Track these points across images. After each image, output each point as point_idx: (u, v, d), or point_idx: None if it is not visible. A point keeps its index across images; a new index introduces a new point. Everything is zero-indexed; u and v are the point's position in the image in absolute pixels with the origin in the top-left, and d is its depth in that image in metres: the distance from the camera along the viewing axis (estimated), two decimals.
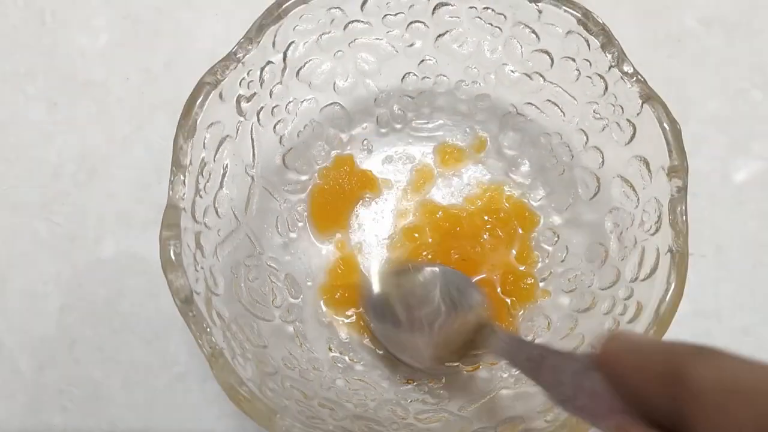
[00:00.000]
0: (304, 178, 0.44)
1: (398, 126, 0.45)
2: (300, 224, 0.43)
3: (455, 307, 0.38)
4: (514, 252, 0.43)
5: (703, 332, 0.43)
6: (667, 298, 0.33)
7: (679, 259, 0.33)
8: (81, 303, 0.44)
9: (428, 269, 0.40)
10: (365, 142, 0.45)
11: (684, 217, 0.34)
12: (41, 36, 0.50)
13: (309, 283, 0.42)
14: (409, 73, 0.43)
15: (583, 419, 0.24)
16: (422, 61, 0.42)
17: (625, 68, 0.36)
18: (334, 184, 0.43)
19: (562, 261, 0.42)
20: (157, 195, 0.44)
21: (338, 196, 0.43)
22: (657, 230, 0.35)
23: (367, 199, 0.44)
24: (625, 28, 0.37)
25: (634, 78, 0.36)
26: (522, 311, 0.42)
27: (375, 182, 0.44)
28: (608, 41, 0.36)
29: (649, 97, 0.35)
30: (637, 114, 0.36)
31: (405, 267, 0.41)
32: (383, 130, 0.45)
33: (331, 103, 0.43)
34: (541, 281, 0.42)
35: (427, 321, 0.38)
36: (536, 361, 0.28)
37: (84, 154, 0.47)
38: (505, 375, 0.38)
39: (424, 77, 0.43)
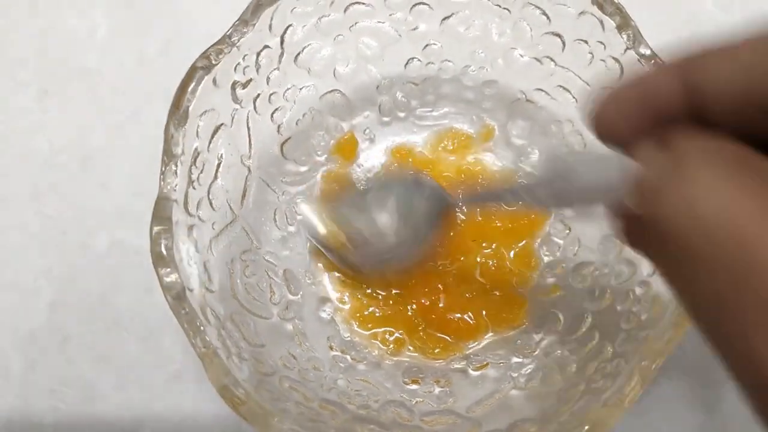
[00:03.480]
0: (303, 169, 0.42)
1: (401, 114, 0.43)
2: (299, 217, 0.42)
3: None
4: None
5: None
6: None
7: None
8: (73, 299, 0.43)
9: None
10: (367, 131, 0.43)
11: None
12: (32, 20, 0.49)
13: (309, 281, 0.40)
14: (413, 58, 0.41)
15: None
16: (427, 45, 0.41)
17: (642, 50, 0.34)
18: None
19: (574, 255, 0.40)
20: (152, 186, 0.42)
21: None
22: None
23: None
24: (639, 12, 0.35)
25: (652, 61, 0.34)
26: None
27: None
28: (624, 22, 0.34)
29: None
30: None
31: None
32: (386, 119, 0.43)
33: (331, 91, 0.41)
34: (552, 276, 0.40)
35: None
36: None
37: (76, 144, 0.46)
38: (515, 374, 0.37)
39: (428, 63, 0.42)
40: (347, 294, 0.40)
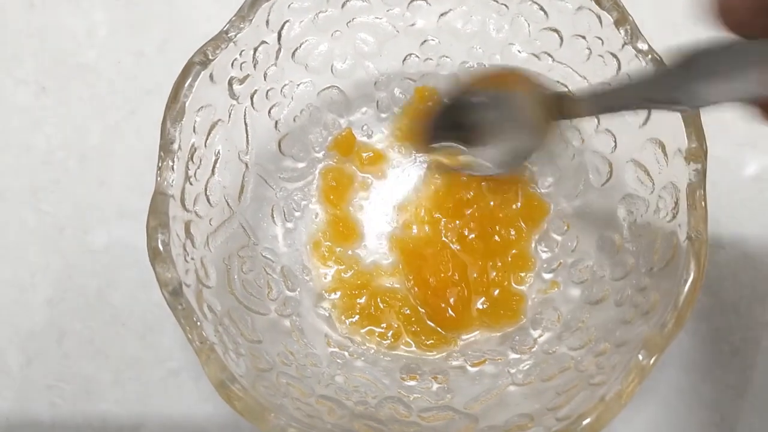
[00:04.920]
0: (301, 165, 0.42)
1: (399, 111, 0.43)
2: (297, 214, 0.41)
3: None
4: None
5: (723, 326, 0.41)
6: (686, 289, 0.31)
7: (699, 246, 0.31)
8: (70, 295, 0.43)
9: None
10: (365, 127, 0.43)
11: (703, 202, 0.32)
12: (30, 17, 0.48)
13: (306, 277, 0.40)
14: (411, 54, 0.41)
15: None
16: (424, 41, 0.41)
17: (640, 45, 0.34)
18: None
19: (572, 251, 0.40)
20: (150, 183, 0.42)
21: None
22: (674, 217, 0.33)
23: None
24: (636, 7, 0.35)
25: (650, 56, 0.34)
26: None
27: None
28: (622, 17, 0.34)
29: None
30: None
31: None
32: (384, 115, 0.43)
33: (329, 87, 0.41)
34: (550, 272, 0.40)
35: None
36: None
37: (74, 141, 0.46)
38: (513, 370, 0.37)
39: (426, 59, 0.42)
40: (340, 291, 0.40)
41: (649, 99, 0.29)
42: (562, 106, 0.34)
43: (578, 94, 0.34)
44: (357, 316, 0.40)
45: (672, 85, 0.26)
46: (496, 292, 0.40)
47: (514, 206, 0.42)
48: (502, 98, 0.37)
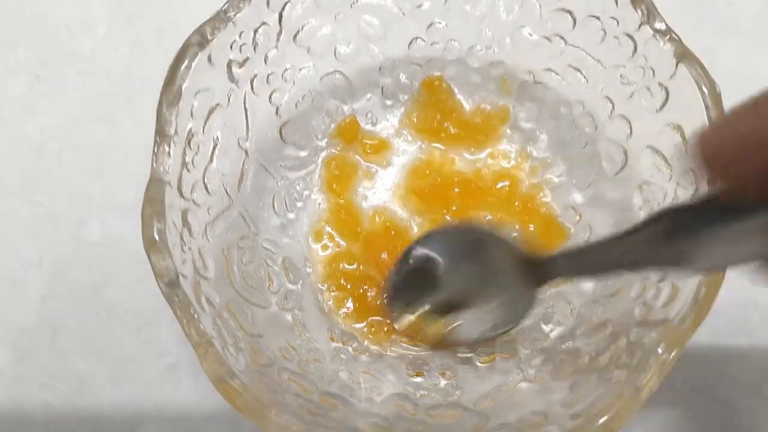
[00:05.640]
0: (303, 153, 0.40)
1: (405, 97, 0.42)
2: (299, 204, 0.40)
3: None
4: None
5: (741, 319, 0.40)
6: (706, 281, 0.29)
7: None
8: (64, 290, 0.42)
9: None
10: (369, 114, 0.42)
11: None
12: (23, 3, 0.47)
13: (309, 269, 0.39)
14: (417, 38, 0.40)
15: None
16: (431, 24, 0.39)
17: (657, 25, 0.33)
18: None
19: (586, 242, 0.39)
20: (146, 175, 0.41)
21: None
22: None
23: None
24: None
25: (668, 36, 0.32)
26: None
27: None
28: None
29: (684, 55, 0.32)
30: (671, 76, 0.32)
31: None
32: (389, 102, 0.42)
33: (332, 72, 0.40)
34: None
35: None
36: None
37: (68, 130, 0.45)
38: (524, 366, 0.35)
39: (433, 43, 0.40)
40: (334, 284, 0.39)
41: (636, 261, 0.27)
42: (547, 269, 0.32)
43: (557, 255, 0.32)
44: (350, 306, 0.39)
45: (657, 248, 0.24)
46: None
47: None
48: (484, 264, 0.35)
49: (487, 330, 0.36)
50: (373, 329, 0.38)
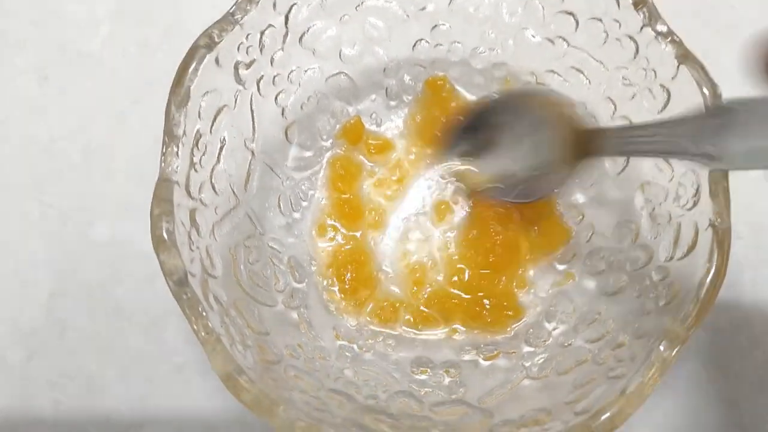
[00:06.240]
0: (308, 154, 0.41)
1: (409, 98, 0.42)
2: (304, 204, 0.40)
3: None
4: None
5: (741, 320, 0.40)
6: (708, 279, 0.30)
7: (723, 234, 0.30)
8: (73, 289, 0.42)
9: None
10: (374, 115, 0.42)
11: (726, 188, 0.30)
12: (31, 4, 0.47)
13: (314, 268, 0.39)
14: (421, 39, 0.40)
15: None
16: (435, 26, 0.40)
17: (659, 27, 0.33)
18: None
19: (587, 242, 0.39)
20: (155, 174, 0.41)
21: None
22: (695, 204, 0.32)
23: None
24: None
25: (669, 38, 0.33)
26: None
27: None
28: None
29: (686, 57, 0.32)
30: (672, 78, 0.33)
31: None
32: (393, 103, 0.42)
33: (337, 73, 0.40)
34: (564, 263, 0.39)
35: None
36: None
37: (77, 131, 0.45)
38: (528, 364, 0.36)
39: (437, 44, 0.41)
40: (335, 276, 0.40)
41: (683, 151, 0.29)
42: (591, 143, 0.34)
43: (610, 132, 0.34)
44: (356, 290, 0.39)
45: (709, 139, 0.25)
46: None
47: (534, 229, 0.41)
48: (533, 124, 0.37)
49: (523, 188, 0.38)
50: (379, 310, 0.39)
